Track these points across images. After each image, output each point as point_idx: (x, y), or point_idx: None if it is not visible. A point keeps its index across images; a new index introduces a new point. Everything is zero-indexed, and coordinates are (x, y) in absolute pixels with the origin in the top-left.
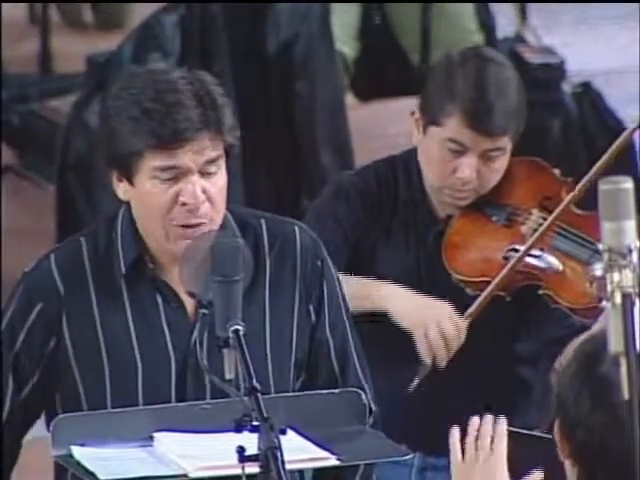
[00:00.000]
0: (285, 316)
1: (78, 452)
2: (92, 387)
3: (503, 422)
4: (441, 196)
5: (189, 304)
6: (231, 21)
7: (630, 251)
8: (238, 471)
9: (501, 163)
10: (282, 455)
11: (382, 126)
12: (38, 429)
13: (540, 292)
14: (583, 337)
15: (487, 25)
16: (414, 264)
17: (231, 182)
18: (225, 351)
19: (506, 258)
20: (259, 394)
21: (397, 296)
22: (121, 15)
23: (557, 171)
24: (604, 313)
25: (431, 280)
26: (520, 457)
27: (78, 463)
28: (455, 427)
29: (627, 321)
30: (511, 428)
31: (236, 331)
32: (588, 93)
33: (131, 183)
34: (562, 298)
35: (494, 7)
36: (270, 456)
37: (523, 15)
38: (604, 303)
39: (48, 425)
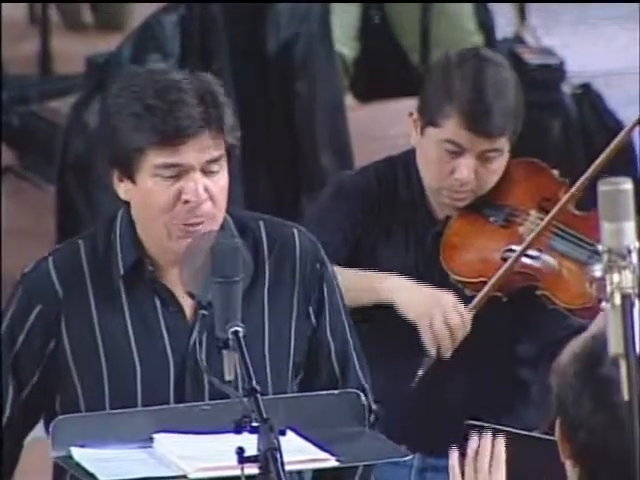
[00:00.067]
0: (284, 318)
1: (78, 453)
2: (91, 390)
3: (501, 442)
4: (439, 197)
5: (188, 307)
6: (231, 21)
7: (630, 252)
8: (238, 472)
9: (499, 164)
10: (281, 456)
11: (382, 127)
12: (38, 430)
13: (537, 293)
14: (582, 338)
15: (486, 25)
16: (413, 265)
17: (231, 182)
18: (224, 352)
19: (504, 259)
20: (259, 395)
21: (402, 287)
22: (121, 16)
23: (556, 172)
24: (601, 313)
25: (430, 281)
26: (520, 458)
27: (78, 464)
28: (454, 449)
29: (627, 322)
30: (510, 429)
31: (235, 332)
32: (588, 94)
33: (133, 181)
34: (559, 299)
35: (493, 7)
36: (269, 457)
37: (522, 15)
38: (604, 304)
39: (47, 426)
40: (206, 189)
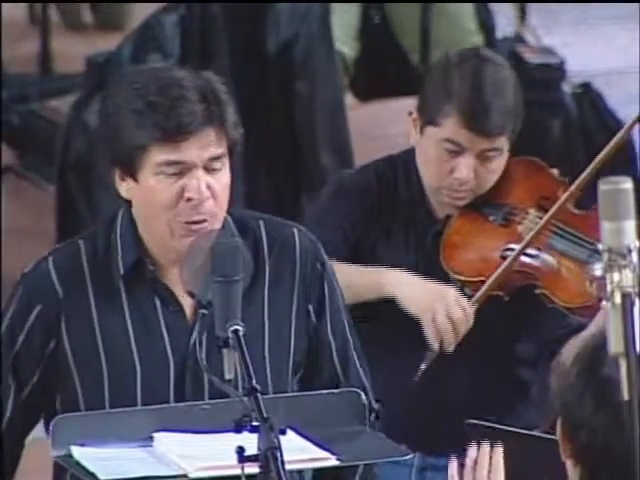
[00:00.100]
0: (284, 317)
1: (78, 452)
2: (90, 389)
3: (499, 452)
4: (439, 196)
5: (188, 307)
6: (231, 21)
7: (630, 251)
8: (238, 471)
9: (498, 163)
10: (282, 455)
11: (382, 126)
12: (38, 430)
13: (536, 291)
14: (581, 337)
15: (487, 25)
16: (413, 264)
17: (233, 181)
18: (225, 351)
19: (503, 258)
20: (259, 394)
21: (404, 282)
22: (121, 16)
23: (555, 171)
24: (600, 312)
25: (430, 280)
26: (520, 457)
27: (78, 463)
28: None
29: (627, 321)
30: (511, 428)
31: (236, 331)
32: (588, 93)
33: (135, 180)
34: (558, 297)
35: (494, 7)
36: (270, 456)
37: (523, 15)
38: (604, 303)
39: (47, 426)
40: (208, 187)
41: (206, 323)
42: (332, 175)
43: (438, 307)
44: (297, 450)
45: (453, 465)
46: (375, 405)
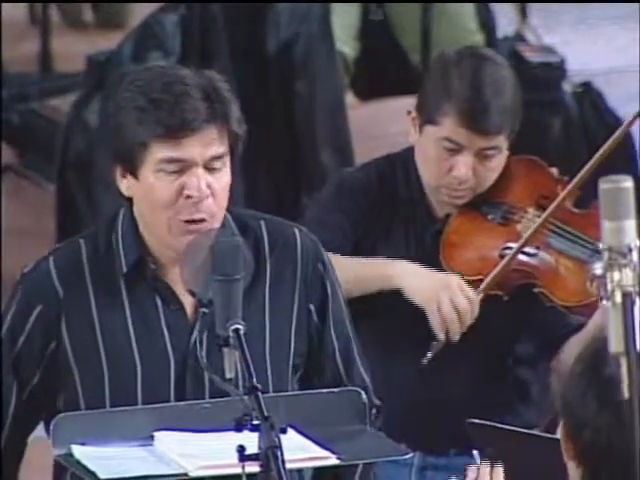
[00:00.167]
0: (285, 316)
1: (78, 451)
2: (91, 389)
3: (499, 472)
4: (438, 195)
5: (188, 305)
6: (231, 21)
7: (630, 250)
8: (238, 470)
9: (497, 161)
10: (282, 454)
11: (382, 125)
12: (38, 429)
13: (535, 290)
14: (581, 336)
15: (487, 25)
16: None
17: (233, 181)
18: (225, 350)
19: (502, 256)
20: (259, 393)
21: (408, 273)
22: (121, 15)
23: (554, 170)
24: (598, 311)
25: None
26: (520, 457)
27: (78, 462)
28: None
29: (627, 320)
30: (511, 427)
31: (236, 330)
32: (589, 92)
33: (135, 177)
34: (556, 296)
35: (494, 7)
36: (270, 455)
37: (523, 15)
38: (604, 302)
39: (47, 426)
40: (208, 185)
41: (207, 322)
42: (333, 173)
43: (443, 297)
44: (298, 449)
45: None
46: (377, 402)
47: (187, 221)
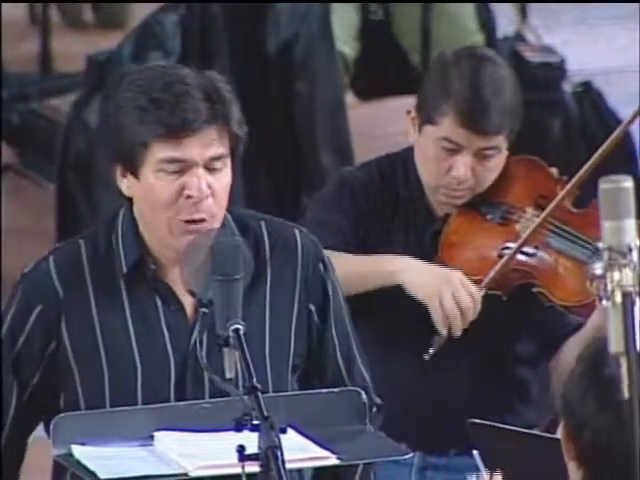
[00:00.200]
0: (285, 316)
1: (78, 451)
2: (91, 389)
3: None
4: (437, 195)
5: (189, 306)
6: (231, 21)
7: (630, 250)
8: (238, 470)
9: (497, 161)
10: (282, 454)
11: (382, 125)
12: (38, 429)
13: (534, 290)
14: (579, 336)
15: (487, 25)
16: None
17: (234, 182)
18: (225, 350)
19: (501, 257)
20: (259, 393)
21: (410, 268)
22: (121, 15)
23: (554, 170)
24: (596, 311)
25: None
26: (520, 457)
27: (78, 462)
28: None
29: (627, 320)
30: (511, 427)
31: (236, 330)
32: (588, 92)
33: (136, 176)
34: (555, 296)
35: (494, 7)
36: (270, 455)
37: (523, 15)
38: (604, 302)
39: (46, 426)
40: (209, 185)
41: (207, 322)
42: (334, 172)
43: (445, 292)
44: (297, 449)
45: None
46: (377, 400)
47: (187, 221)
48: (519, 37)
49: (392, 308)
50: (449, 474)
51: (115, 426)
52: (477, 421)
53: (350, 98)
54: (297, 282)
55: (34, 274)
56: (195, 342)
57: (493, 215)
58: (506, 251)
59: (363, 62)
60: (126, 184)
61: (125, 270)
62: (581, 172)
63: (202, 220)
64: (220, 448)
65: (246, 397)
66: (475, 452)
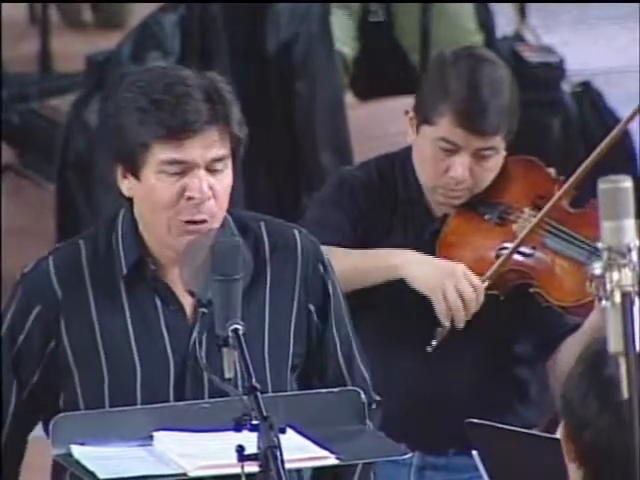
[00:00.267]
0: (284, 316)
1: (78, 451)
2: (91, 389)
3: None
4: (435, 195)
5: (188, 306)
6: (231, 21)
7: (629, 250)
8: (238, 470)
9: (494, 162)
10: (281, 454)
11: (381, 125)
12: (38, 429)
13: (531, 290)
14: (576, 336)
15: (486, 25)
16: None
17: (234, 182)
18: (224, 350)
19: (498, 257)
20: (258, 393)
21: (413, 262)
22: (121, 15)
23: (552, 170)
24: (594, 312)
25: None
26: (520, 456)
27: (77, 462)
28: None
29: (627, 320)
30: (510, 427)
31: (235, 330)
32: (588, 92)
33: (137, 177)
34: (552, 296)
35: (493, 7)
36: (270, 455)
37: (522, 15)
38: (603, 302)
39: (45, 426)
40: (210, 187)
41: (206, 322)
42: (334, 171)
43: (448, 285)
44: (297, 449)
45: None
46: (376, 397)
47: (187, 221)
48: (518, 37)
49: (393, 302)
50: (448, 474)
51: (114, 426)
52: (476, 421)
53: (349, 98)
54: (297, 282)
55: (34, 274)
56: (194, 343)
57: (491, 215)
58: (503, 251)
59: (362, 62)
60: (127, 185)
61: (125, 271)
62: (579, 171)
63: (203, 221)
64: (219, 448)
65: (245, 397)
66: (474, 452)
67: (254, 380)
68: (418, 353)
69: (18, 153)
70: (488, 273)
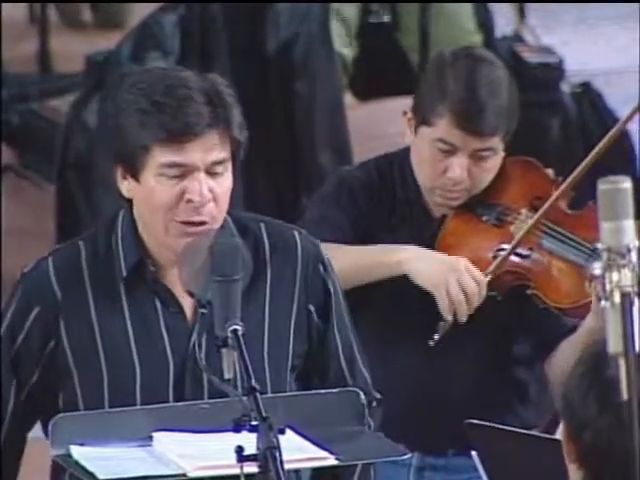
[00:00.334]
0: (284, 317)
1: (77, 452)
2: (90, 391)
3: None
4: (433, 196)
5: (188, 308)
6: (231, 21)
7: (629, 250)
8: (237, 471)
9: (493, 163)
10: (281, 455)
11: (381, 125)
12: (37, 430)
13: (529, 292)
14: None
15: (486, 25)
16: None
17: (234, 185)
18: (224, 351)
19: (495, 258)
20: (258, 394)
21: (415, 257)
22: (120, 15)
23: (550, 171)
24: (590, 314)
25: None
26: (519, 457)
27: (77, 463)
28: None
29: (626, 321)
30: (510, 428)
31: (235, 331)
32: (588, 93)
33: (136, 179)
34: (549, 298)
35: (492, 7)
36: (269, 456)
37: (522, 15)
38: (603, 303)
39: (44, 427)
40: (210, 190)
41: (206, 324)
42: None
43: (451, 280)
44: (296, 449)
45: None
46: (377, 395)
47: (186, 223)
48: (517, 37)
49: (392, 299)
50: (447, 474)
51: (114, 426)
52: (475, 421)
53: (349, 98)
54: (297, 283)
55: (34, 274)
56: (194, 344)
57: (489, 216)
58: (501, 252)
59: (362, 62)
60: (126, 186)
61: (125, 273)
62: (576, 172)
63: (202, 223)
64: (219, 449)
65: (245, 398)
66: (474, 453)
67: (253, 381)
68: (418, 351)
69: (18, 153)
70: (491, 268)
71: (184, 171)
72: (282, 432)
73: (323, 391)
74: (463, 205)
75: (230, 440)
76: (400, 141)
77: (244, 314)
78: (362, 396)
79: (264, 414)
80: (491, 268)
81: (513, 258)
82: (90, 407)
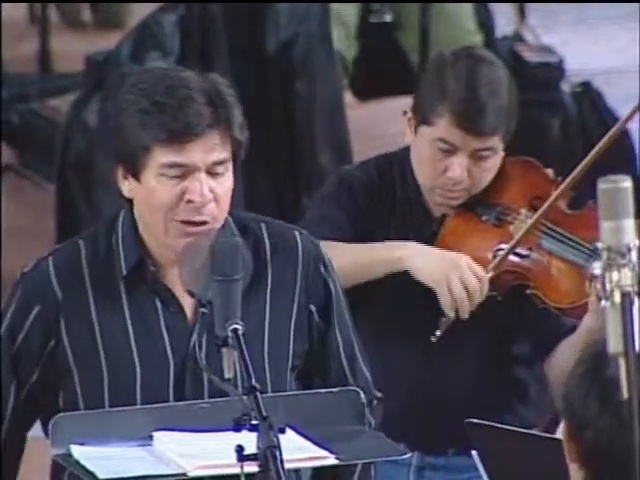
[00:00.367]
0: (284, 317)
1: (77, 451)
2: (90, 391)
3: None
4: (433, 196)
5: (188, 308)
6: (231, 21)
7: (629, 250)
8: (237, 470)
9: (492, 162)
10: (281, 454)
11: (381, 125)
12: (37, 430)
13: (528, 292)
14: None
15: (486, 25)
16: None
17: (235, 185)
18: (224, 350)
19: (495, 257)
20: (258, 393)
21: (417, 254)
22: (120, 15)
23: (550, 171)
24: (588, 314)
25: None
26: (519, 457)
27: (77, 462)
28: None
29: (626, 320)
30: (510, 427)
31: (235, 330)
32: (588, 92)
33: (137, 179)
34: (548, 298)
35: (493, 7)
36: (269, 455)
37: (522, 15)
38: (603, 302)
39: (44, 427)
40: (211, 190)
41: (206, 324)
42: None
43: (453, 276)
44: (296, 449)
45: None
46: (377, 394)
47: (186, 222)
48: (518, 37)
49: (392, 296)
50: (447, 474)
51: (114, 426)
52: (475, 421)
53: (349, 98)
54: (297, 283)
55: (34, 274)
56: (194, 344)
57: (488, 216)
58: (500, 252)
59: (362, 62)
60: (127, 186)
61: (125, 272)
62: (576, 171)
63: (203, 223)
64: (219, 448)
65: (245, 397)
66: (474, 452)
67: (254, 380)
68: (418, 351)
69: (18, 153)
70: (492, 265)
71: (185, 171)
72: (282, 431)
73: (323, 390)
74: (463, 205)
75: (230, 439)
76: (400, 141)
77: (244, 314)
78: (362, 395)
79: (264, 413)
80: (492, 265)
81: (512, 258)
82: (90, 406)
